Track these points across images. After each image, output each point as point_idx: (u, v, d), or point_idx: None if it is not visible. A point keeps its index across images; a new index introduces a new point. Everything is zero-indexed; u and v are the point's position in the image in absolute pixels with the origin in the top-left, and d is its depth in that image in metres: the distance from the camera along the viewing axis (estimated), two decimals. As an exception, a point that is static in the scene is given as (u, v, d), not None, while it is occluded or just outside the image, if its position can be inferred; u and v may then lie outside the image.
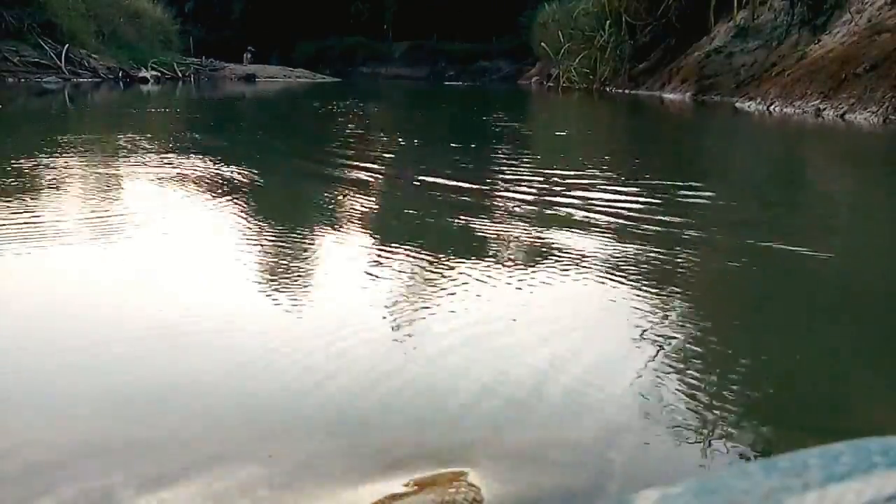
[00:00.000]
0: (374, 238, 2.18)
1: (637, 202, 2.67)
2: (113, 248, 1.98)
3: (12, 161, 3.41)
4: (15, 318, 1.43)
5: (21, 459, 0.90)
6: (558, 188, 2.91)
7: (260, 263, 1.84)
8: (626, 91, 12.10)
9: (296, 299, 1.54)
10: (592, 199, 2.68)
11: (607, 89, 12.60)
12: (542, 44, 14.30)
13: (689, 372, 1.20)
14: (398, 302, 1.53)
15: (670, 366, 1.22)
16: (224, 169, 3.32)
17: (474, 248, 2.04)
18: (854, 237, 2.39)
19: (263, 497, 0.83)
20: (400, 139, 5.38)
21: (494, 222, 2.29)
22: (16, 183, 2.91)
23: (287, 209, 2.65)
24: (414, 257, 1.89)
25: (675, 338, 1.35)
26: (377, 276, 1.72)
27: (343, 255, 1.95)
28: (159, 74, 14.47)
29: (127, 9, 15.47)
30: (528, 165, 3.77)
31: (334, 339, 1.33)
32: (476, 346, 1.30)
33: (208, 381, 1.14)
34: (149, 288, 1.62)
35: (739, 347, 1.39)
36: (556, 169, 3.53)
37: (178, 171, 3.30)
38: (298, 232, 2.21)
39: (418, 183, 3.11)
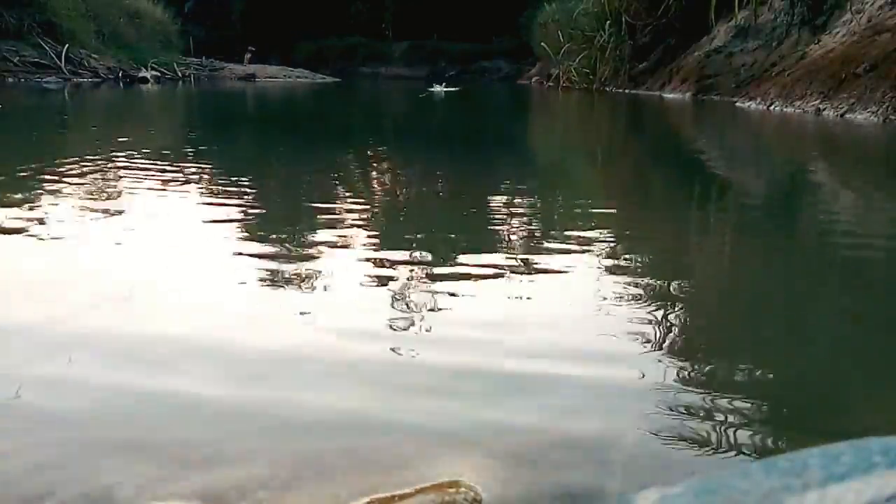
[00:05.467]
0: (386, 229, 2.18)
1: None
2: (115, 244, 1.99)
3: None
4: (15, 318, 1.43)
5: (21, 460, 0.90)
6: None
7: (260, 268, 1.84)
8: (626, 91, 12.10)
9: (294, 298, 1.54)
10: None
11: (607, 89, 12.59)
12: (542, 44, 14.30)
13: (689, 371, 1.20)
14: (397, 302, 1.53)
15: (671, 366, 1.22)
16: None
17: (480, 232, 2.04)
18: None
19: (263, 497, 0.83)
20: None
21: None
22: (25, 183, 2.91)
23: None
24: (422, 240, 1.90)
25: (675, 336, 1.35)
26: (375, 277, 1.72)
27: (343, 261, 1.95)
28: (159, 74, 14.47)
29: (127, 9, 15.46)
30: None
31: (334, 338, 1.33)
32: (476, 346, 1.30)
33: (207, 380, 1.14)
34: (149, 285, 1.62)
35: (741, 346, 1.39)
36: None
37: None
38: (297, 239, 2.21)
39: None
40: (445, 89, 13.28)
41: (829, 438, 0.40)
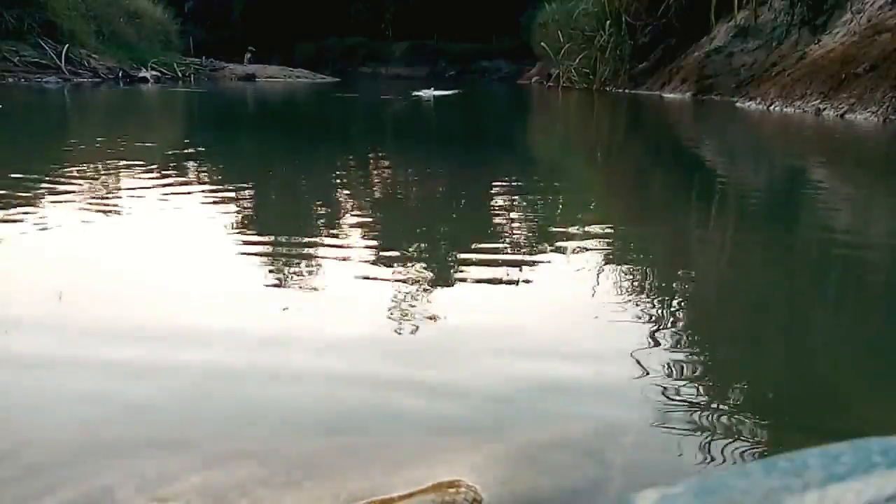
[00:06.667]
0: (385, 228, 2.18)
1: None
2: (114, 244, 1.99)
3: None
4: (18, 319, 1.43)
5: (21, 460, 0.90)
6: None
7: (260, 265, 1.84)
8: (626, 91, 12.10)
9: (294, 298, 1.54)
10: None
11: (607, 89, 12.59)
12: (542, 44, 14.29)
13: (689, 372, 1.20)
14: (397, 302, 1.53)
15: (671, 366, 1.22)
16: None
17: (479, 235, 2.04)
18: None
19: (263, 497, 0.83)
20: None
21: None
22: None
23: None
24: (418, 246, 1.90)
25: (675, 337, 1.35)
26: (374, 277, 1.72)
27: (341, 258, 1.95)
28: (159, 74, 14.46)
29: (127, 9, 15.45)
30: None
31: (333, 338, 1.33)
32: (476, 346, 1.30)
33: (207, 380, 1.14)
34: (149, 284, 1.62)
35: (741, 345, 1.39)
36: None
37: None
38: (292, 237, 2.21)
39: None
40: (437, 93, 10.63)
41: (829, 438, 0.40)
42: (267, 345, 1.29)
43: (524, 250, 2.05)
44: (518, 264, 1.86)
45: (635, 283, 1.71)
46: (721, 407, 1.07)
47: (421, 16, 25.06)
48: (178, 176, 3.31)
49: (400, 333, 1.35)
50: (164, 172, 3.38)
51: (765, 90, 8.22)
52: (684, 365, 1.23)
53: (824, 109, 6.73)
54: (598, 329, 1.40)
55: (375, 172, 3.81)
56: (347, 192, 3.12)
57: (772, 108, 7.67)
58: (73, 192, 2.77)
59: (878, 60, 6.50)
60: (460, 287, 1.65)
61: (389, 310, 1.48)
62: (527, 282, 1.70)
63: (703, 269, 1.96)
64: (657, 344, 1.31)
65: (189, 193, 2.86)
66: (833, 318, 1.58)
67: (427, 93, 10.61)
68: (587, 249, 2.03)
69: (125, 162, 3.63)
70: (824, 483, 0.33)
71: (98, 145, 4.59)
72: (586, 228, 2.33)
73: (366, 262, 1.86)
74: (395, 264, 1.82)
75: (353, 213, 2.61)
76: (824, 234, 2.40)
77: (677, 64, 11.47)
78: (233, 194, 2.89)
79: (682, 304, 1.57)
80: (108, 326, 1.37)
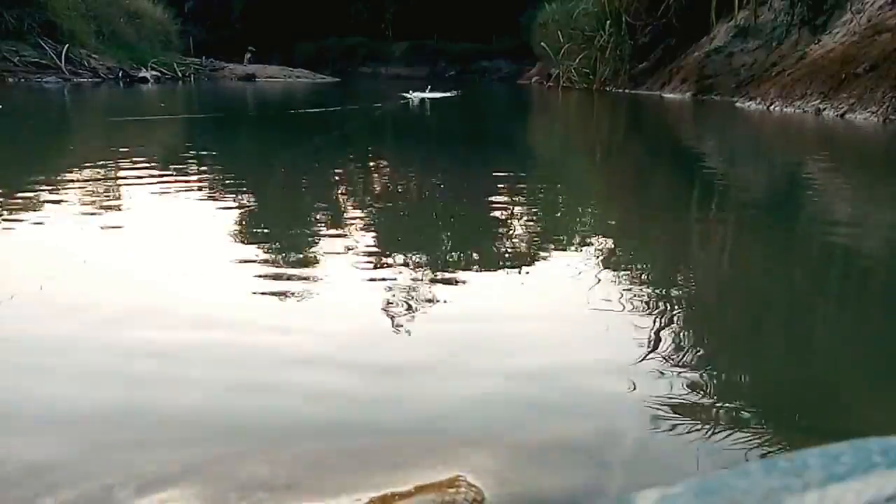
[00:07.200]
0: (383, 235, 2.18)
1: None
2: (117, 245, 1.98)
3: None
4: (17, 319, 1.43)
5: (21, 460, 0.90)
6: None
7: (261, 262, 1.84)
8: (626, 91, 12.10)
9: (295, 297, 1.54)
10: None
11: (607, 89, 12.59)
12: (542, 44, 14.29)
13: (689, 372, 1.20)
14: (397, 303, 1.53)
15: (671, 366, 1.22)
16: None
17: (477, 246, 2.04)
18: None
19: (263, 498, 0.83)
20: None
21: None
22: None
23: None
24: (412, 250, 1.89)
25: (675, 336, 1.35)
26: (375, 276, 1.72)
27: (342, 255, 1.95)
28: (159, 74, 14.47)
29: (127, 9, 15.46)
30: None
31: (334, 339, 1.33)
32: (476, 347, 1.30)
33: (207, 380, 1.14)
34: (150, 285, 1.62)
35: (740, 345, 1.39)
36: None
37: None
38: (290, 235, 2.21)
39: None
40: (428, 96, 8.97)
41: (829, 438, 0.40)
42: (266, 344, 1.29)
43: (524, 251, 2.04)
44: (518, 265, 1.86)
45: (635, 284, 1.71)
46: (721, 407, 1.07)
47: (421, 16, 25.07)
48: (176, 175, 3.31)
49: (400, 334, 1.35)
50: (162, 172, 3.38)
51: (765, 90, 8.22)
52: (684, 365, 1.22)
53: (824, 109, 6.73)
54: (598, 329, 1.40)
55: (351, 193, 3.81)
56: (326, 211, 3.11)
57: (772, 108, 7.67)
58: (73, 192, 2.77)
59: (878, 60, 6.50)
60: (460, 288, 1.65)
61: (389, 310, 1.48)
62: (527, 282, 1.70)
63: (704, 270, 1.96)
64: (657, 344, 1.31)
65: (187, 193, 2.86)
66: (833, 318, 1.58)
67: (416, 95, 8.83)
68: (587, 250, 2.03)
69: (123, 161, 3.62)
70: (824, 483, 0.33)
71: (97, 145, 4.58)
72: (587, 229, 2.34)
73: (364, 265, 1.86)
74: (394, 267, 1.82)
75: (336, 226, 2.61)
76: (824, 234, 2.40)
77: (677, 64, 11.47)
78: (222, 201, 2.89)
79: (683, 304, 1.57)
80: (107, 327, 1.37)
